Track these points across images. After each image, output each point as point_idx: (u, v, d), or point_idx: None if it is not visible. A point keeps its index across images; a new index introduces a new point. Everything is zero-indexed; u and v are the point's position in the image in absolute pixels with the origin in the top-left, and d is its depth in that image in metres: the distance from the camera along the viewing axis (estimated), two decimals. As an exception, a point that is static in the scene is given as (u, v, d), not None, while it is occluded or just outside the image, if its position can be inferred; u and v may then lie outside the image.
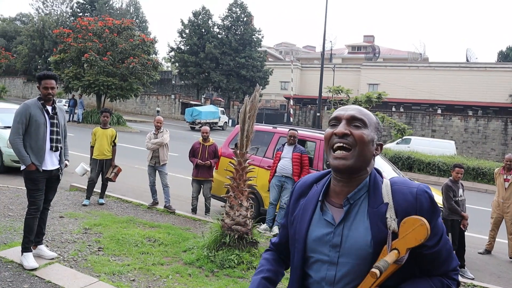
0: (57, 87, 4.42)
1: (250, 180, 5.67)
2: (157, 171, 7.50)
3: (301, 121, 39.38)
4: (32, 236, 4.29)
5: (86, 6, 52.50)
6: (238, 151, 5.55)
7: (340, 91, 25.00)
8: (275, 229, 6.71)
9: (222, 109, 37.44)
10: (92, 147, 7.34)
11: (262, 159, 7.52)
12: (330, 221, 1.35)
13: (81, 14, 49.86)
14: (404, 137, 23.74)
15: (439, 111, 35.69)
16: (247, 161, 5.59)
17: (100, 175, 7.35)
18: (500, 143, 30.62)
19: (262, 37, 45.35)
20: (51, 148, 4.29)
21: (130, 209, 7.22)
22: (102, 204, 7.26)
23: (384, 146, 1.67)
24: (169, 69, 64.59)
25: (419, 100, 41.14)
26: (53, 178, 4.40)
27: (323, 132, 7.64)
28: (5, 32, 58.42)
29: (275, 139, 7.67)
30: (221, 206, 7.82)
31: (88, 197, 7.22)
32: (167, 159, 7.56)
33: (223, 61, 43.10)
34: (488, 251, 7.23)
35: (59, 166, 4.42)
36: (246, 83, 43.32)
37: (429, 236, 1.21)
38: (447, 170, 16.17)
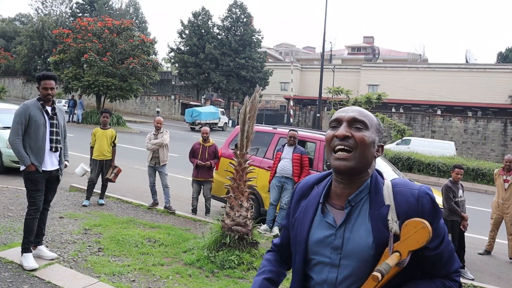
0: (57, 88, 4.42)
1: (250, 180, 5.67)
2: (157, 171, 7.50)
3: (301, 121, 39.39)
4: (32, 237, 4.28)
5: (86, 6, 52.52)
6: (238, 152, 5.54)
7: (340, 92, 25.03)
8: (275, 230, 6.70)
9: (222, 109, 37.43)
10: (92, 147, 7.34)
11: (262, 159, 7.52)
12: (331, 223, 1.35)
13: (80, 14, 49.87)
14: (404, 138, 23.76)
15: (438, 112, 35.72)
16: (247, 161, 5.59)
17: (100, 176, 7.34)
18: (499, 144, 30.64)
19: (262, 38, 45.40)
20: (50, 149, 4.28)
21: (130, 209, 7.21)
22: (102, 204, 7.26)
23: (384, 147, 1.67)
24: (169, 69, 64.61)
25: (418, 101, 41.17)
26: (53, 178, 4.40)
27: (323, 133, 7.65)
28: (5, 33, 58.42)
29: (275, 139, 7.67)
30: (221, 207, 7.81)
31: (88, 198, 7.21)
32: (167, 160, 7.55)
33: (223, 61, 43.11)
34: (488, 252, 7.23)
35: (58, 166, 4.42)
36: (246, 84, 43.32)
37: (431, 238, 1.20)
38: (447, 171, 16.18)
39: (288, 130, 7.20)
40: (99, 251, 4.98)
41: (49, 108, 4.30)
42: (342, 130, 1.34)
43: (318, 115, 29.99)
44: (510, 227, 6.92)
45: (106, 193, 7.57)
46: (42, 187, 4.26)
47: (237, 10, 45.06)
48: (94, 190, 7.36)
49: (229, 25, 45.15)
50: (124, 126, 25.49)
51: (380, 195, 1.32)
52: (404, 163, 17.48)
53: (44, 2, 56.87)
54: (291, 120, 38.48)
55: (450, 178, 6.40)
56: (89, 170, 7.43)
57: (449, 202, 6.18)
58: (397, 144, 22.98)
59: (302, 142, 7.50)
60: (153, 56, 38.15)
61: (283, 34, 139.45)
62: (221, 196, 7.34)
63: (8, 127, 5.21)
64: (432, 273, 1.31)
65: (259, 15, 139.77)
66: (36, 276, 4.06)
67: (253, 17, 45.96)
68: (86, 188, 7.39)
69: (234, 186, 5.48)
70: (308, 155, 7.07)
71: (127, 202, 7.66)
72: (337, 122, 1.38)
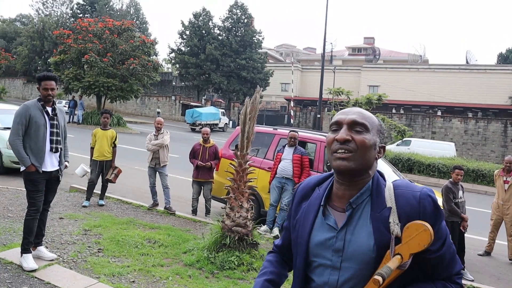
0: (57, 88, 4.42)
1: (251, 181, 5.66)
2: (157, 172, 7.50)
3: (302, 122, 39.39)
4: (32, 237, 4.28)
5: (86, 7, 52.57)
6: (238, 153, 5.54)
7: (340, 93, 24.98)
8: (275, 231, 6.70)
9: (223, 110, 37.45)
10: (92, 148, 7.34)
11: (263, 160, 7.52)
12: (332, 225, 1.35)
13: (81, 15, 49.95)
14: (404, 139, 23.72)
15: (439, 113, 35.71)
16: (248, 162, 5.58)
17: (100, 176, 7.34)
18: (499, 145, 30.64)
19: (263, 38, 45.43)
20: (51, 149, 4.28)
21: (130, 210, 7.21)
22: (102, 205, 7.25)
23: (385, 148, 1.65)
24: (170, 70, 64.64)
25: (419, 102, 41.17)
26: (53, 179, 4.39)
27: (324, 134, 7.65)
28: (5, 33, 58.48)
29: (276, 140, 7.66)
30: (222, 208, 7.81)
31: (88, 198, 7.21)
32: (168, 161, 7.56)
33: (223, 62, 43.13)
34: (487, 253, 7.23)
35: (59, 167, 4.41)
36: (246, 85, 43.34)
37: (432, 241, 1.20)
38: (447, 172, 16.18)
39: (288, 131, 7.19)
40: (99, 252, 4.97)
41: (49, 109, 4.29)
42: (343, 133, 1.33)
43: (318, 116, 29.98)
44: (510, 228, 6.92)
45: (106, 194, 7.56)
46: (42, 187, 4.26)
47: (238, 11, 45.11)
48: (94, 191, 7.35)
49: (230, 26, 45.18)
50: (125, 127, 25.50)
51: (381, 197, 1.31)
52: (404, 164, 17.48)
53: (45, 3, 56.94)
54: (292, 121, 38.50)
55: (450, 179, 6.39)
56: (89, 170, 7.43)
57: (449, 203, 6.18)
58: (397, 145, 22.97)
59: (303, 143, 7.50)
60: (154, 56, 38.17)
61: (283, 35, 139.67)
62: (221, 197, 7.34)
63: (9, 128, 5.21)
64: (434, 275, 1.30)
65: (259, 16, 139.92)
66: (35, 277, 4.05)
67: (254, 18, 46.01)
68: (86, 188, 7.38)
69: (234, 187, 5.48)
70: (309, 156, 7.06)
71: (127, 202, 7.66)
72: (338, 125, 1.38)
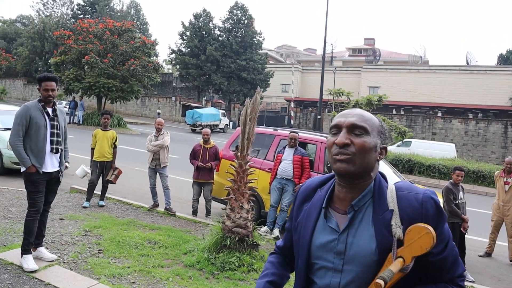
0: (58, 89, 4.42)
1: (251, 182, 5.66)
2: (157, 173, 7.50)
3: (302, 123, 39.39)
4: (32, 238, 4.28)
5: (87, 8, 52.59)
6: (239, 154, 5.54)
7: (340, 94, 24.96)
8: (276, 232, 6.70)
9: (223, 111, 37.48)
10: (92, 149, 7.34)
11: (263, 161, 7.52)
12: (334, 228, 1.34)
13: (81, 16, 49.97)
14: (404, 140, 23.70)
15: (439, 114, 35.68)
16: (248, 163, 5.58)
17: (101, 177, 7.34)
18: (500, 146, 30.62)
19: (263, 39, 45.41)
20: (51, 150, 4.28)
21: (130, 211, 7.21)
22: (102, 206, 7.25)
23: (387, 149, 1.65)
24: (170, 71, 64.69)
25: (419, 103, 41.15)
26: (53, 180, 4.39)
27: (324, 135, 7.66)
28: (6, 34, 58.54)
29: (276, 141, 7.66)
30: (222, 209, 7.80)
31: (88, 199, 7.21)
32: (168, 161, 7.55)
33: (224, 63, 43.14)
34: (488, 254, 7.22)
35: (59, 168, 4.42)
36: (247, 86, 43.35)
37: (435, 244, 1.19)
38: (448, 173, 16.17)
39: (289, 132, 7.20)
40: (99, 252, 4.97)
41: (50, 110, 4.30)
42: (342, 137, 1.31)
43: (319, 117, 30.00)
44: (510, 229, 6.91)
45: (106, 195, 7.56)
46: (42, 188, 4.26)
47: (238, 11, 45.12)
48: (94, 192, 7.36)
49: (230, 27, 45.19)
50: (125, 128, 25.51)
51: (383, 199, 1.30)
52: (404, 165, 17.48)
53: (45, 4, 57.00)
54: (292, 122, 38.50)
55: (451, 180, 6.39)
56: (89, 171, 7.43)
57: (449, 204, 6.18)
58: (397, 146, 22.95)
59: (303, 144, 7.50)
60: (154, 57, 38.20)
61: (284, 36, 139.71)
62: (222, 198, 7.33)
63: (9, 129, 5.21)
64: (436, 278, 1.30)
65: (260, 17, 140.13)
66: (36, 278, 4.05)
67: (254, 19, 46.01)
68: (86, 189, 7.38)
69: (235, 187, 5.48)
70: (309, 157, 7.07)
71: (128, 203, 7.65)
72: (337, 129, 1.36)
